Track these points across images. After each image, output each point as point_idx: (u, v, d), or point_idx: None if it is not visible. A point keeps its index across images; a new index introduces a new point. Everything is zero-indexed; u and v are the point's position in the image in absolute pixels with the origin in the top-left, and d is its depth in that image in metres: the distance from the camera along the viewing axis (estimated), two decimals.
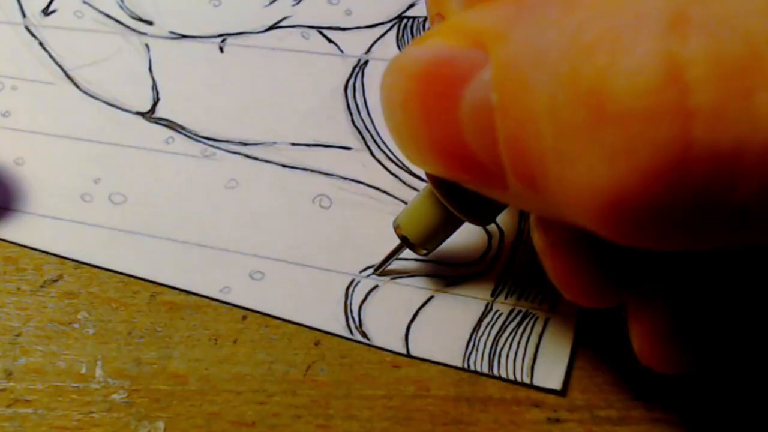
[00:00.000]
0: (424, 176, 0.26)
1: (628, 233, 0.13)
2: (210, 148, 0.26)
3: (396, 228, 0.22)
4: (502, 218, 0.25)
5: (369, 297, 0.24)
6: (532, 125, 0.13)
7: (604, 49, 0.12)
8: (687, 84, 0.12)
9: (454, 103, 0.15)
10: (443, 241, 0.23)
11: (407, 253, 0.23)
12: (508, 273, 0.24)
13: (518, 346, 0.23)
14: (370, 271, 0.24)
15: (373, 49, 0.28)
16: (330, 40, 0.29)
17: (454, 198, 0.20)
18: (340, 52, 0.28)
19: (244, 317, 0.23)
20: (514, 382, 0.22)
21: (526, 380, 0.22)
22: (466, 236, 0.24)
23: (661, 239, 0.13)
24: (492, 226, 0.25)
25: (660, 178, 0.12)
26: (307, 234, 0.25)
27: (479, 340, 0.23)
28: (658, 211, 0.13)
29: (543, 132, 0.13)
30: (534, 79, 0.13)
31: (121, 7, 0.29)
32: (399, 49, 0.28)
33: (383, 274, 0.24)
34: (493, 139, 0.14)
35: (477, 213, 0.21)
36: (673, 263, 0.18)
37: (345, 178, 0.26)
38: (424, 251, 0.23)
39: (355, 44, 0.29)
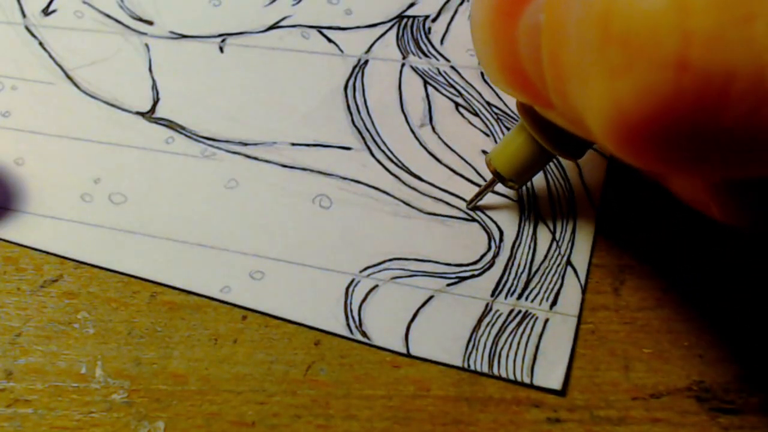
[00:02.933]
0: (424, 176, 0.26)
1: (629, 151, 0.14)
2: (210, 148, 0.26)
3: (488, 162, 0.23)
4: (502, 218, 0.25)
5: (369, 297, 0.24)
6: (564, 43, 0.14)
7: None
8: (688, 6, 0.12)
9: (515, 21, 0.16)
10: (533, 175, 0.23)
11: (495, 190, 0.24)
12: (508, 273, 0.24)
13: (518, 346, 0.23)
14: (371, 270, 0.24)
15: (373, 48, 0.28)
16: (330, 40, 0.29)
17: (545, 131, 0.21)
18: (340, 52, 0.28)
19: (244, 317, 0.23)
20: (514, 382, 0.22)
21: (526, 380, 0.22)
22: (466, 236, 0.24)
23: (661, 160, 0.14)
24: (492, 226, 0.25)
25: (654, 96, 0.13)
26: (307, 234, 0.25)
27: (479, 340, 0.23)
28: (653, 130, 0.13)
29: (571, 49, 0.14)
30: (571, 3, 0.14)
31: (121, 7, 0.29)
32: (399, 49, 0.28)
33: (475, 208, 0.25)
34: (539, 57, 0.15)
35: (566, 147, 0.21)
36: None
37: (345, 178, 0.26)
38: (515, 185, 0.23)
39: (355, 44, 0.29)
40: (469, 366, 0.22)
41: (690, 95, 0.12)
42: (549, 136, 0.21)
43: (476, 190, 0.25)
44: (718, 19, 0.12)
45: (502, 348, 0.23)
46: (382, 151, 0.26)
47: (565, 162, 0.26)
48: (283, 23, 0.29)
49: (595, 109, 0.14)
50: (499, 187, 0.25)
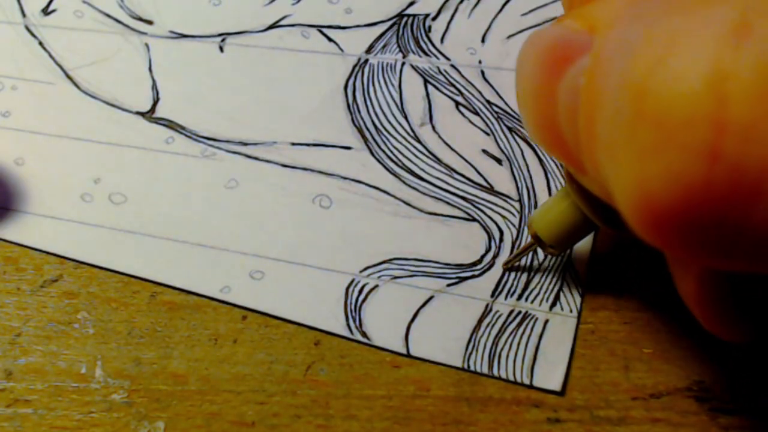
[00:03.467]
0: (424, 175, 0.26)
1: (651, 234, 0.13)
2: (210, 148, 0.26)
3: (529, 226, 0.22)
4: (502, 218, 0.25)
5: (369, 297, 0.24)
6: (600, 111, 0.14)
7: (659, 48, 0.12)
8: (726, 94, 0.12)
9: (558, 79, 0.16)
10: (575, 243, 0.22)
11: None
12: (508, 273, 0.24)
13: (518, 347, 0.23)
14: (371, 270, 0.24)
15: (373, 47, 0.28)
16: (330, 39, 0.29)
17: (589, 199, 0.20)
18: (340, 51, 0.28)
19: (244, 317, 0.23)
20: (514, 383, 0.22)
21: (526, 381, 0.22)
22: (466, 236, 0.24)
23: (684, 247, 0.13)
24: (492, 226, 0.25)
25: (683, 186, 0.12)
26: (307, 234, 0.25)
27: (479, 341, 0.23)
28: (679, 217, 0.13)
29: (605, 120, 0.14)
30: (611, 69, 0.14)
31: (120, 7, 0.29)
32: (399, 48, 0.28)
33: (511, 269, 0.24)
34: (576, 119, 0.15)
35: (611, 217, 0.20)
36: None
37: (345, 178, 0.26)
38: (555, 251, 0.22)
39: (355, 43, 0.28)
40: (468, 367, 0.22)
41: (720, 187, 0.12)
42: (593, 205, 0.20)
43: (482, 191, 0.24)
44: (756, 112, 0.11)
45: (502, 349, 0.23)
46: (383, 151, 0.26)
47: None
48: (283, 22, 0.29)
49: (621, 185, 0.13)
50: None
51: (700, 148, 0.12)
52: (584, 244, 0.24)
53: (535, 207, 0.25)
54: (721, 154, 0.12)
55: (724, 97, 0.12)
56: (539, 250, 0.24)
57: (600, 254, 0.24)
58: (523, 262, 0.24)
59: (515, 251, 0.24)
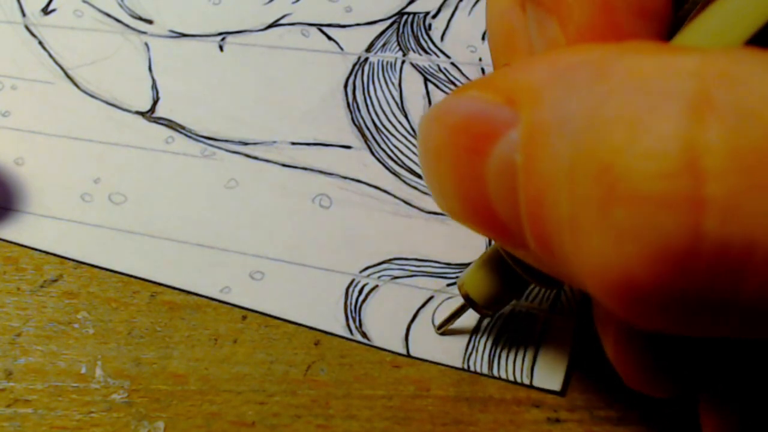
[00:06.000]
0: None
1: (634, 315, 0.13)
2: (210, 148, 0.26)
3: (460, 286, 0.21)
4: None
5: (369, 297, 0.24)
6: (551, 192, 0.13)
7: (623, 126, 0.12)
8: (703, 173, 0.11)
9: (482, 159, 0.15)
10: (509, 303, 0.21)
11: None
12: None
13: (518, 348, 0.23)
14: (371, 270, 0.24)
15: (373, 46, 0.28)
16: (330, 38, 0.29)
17: (523, 264, 0.19)
18: (340, 50, 0.28)
19: (244, 317, 0.23)
20: (514, 383, 0.22)
21: (526, 381, 0.22)
22: (466, 236, 0.24)
23: (669, 325, 0.13)
24: None
25: (665, 266, 0.12)
26: (307, 234, 0.25)
27: (479, 341, 0.23)
28: (664, 298, 0.12)
29: (560, 201, 0.13)
30: (556, 146, 0.13)
31: (120, 6, 0.29)
32: (399, 46, 0.28)
33: (444, 333, 0.23)
34: (515, 200, 0.14)
35: (543, 275, 0.19)
36: (735, 361, 0.18)
37: (345, 178, 0.26)
38: (489, 312, 0.22)
39: (355, 41, 0.28)
40: (468, 367, 0.22)
41: (705, 265, 0.11)
42: (526, 266, 0.19)
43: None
44: (734, 186, 0.11)
45: (502, 349, 0.23)
46: (383, 150, 0.26)
47: None
48: (282, 21, 0.29)
49: (590, 265, 0.13)
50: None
51: (681, 229, 0.11)
52: None
53: None
54: (704, 233, 0.11)
55: (700, 174, 0.11)
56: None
57: None
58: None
59: (447, 315, 0.23)
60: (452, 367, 0.22)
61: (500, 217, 0.15)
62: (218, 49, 0.28)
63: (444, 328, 0.23)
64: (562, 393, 0.22)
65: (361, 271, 0.24)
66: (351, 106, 0.27)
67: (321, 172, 0.26)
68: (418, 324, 0.23)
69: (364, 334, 0.23)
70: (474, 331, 0.23)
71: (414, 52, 0.28)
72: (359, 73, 0.28)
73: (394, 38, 0.28)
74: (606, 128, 0.12)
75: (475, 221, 0.16)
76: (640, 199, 0.12)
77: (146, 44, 0.28)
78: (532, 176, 0.14)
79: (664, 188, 0.11)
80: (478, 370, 0.22)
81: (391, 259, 0.24)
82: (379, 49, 0.28)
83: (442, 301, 0.23)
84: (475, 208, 0.15)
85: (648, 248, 0.12)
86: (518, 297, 0.22)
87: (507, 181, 0.14)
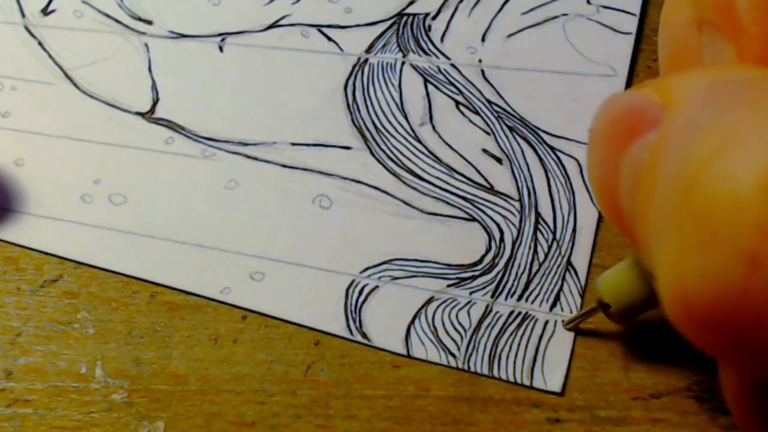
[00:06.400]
0: (424, 175, 0.26)
1: (685, 328, 0.13)
2: (210, 149, 0.26)
3: (595, 289, 0.21)
4: (502, 218, 0.25)
5: (369, 297, 0.24)
6: (655, 194, 0.13)
7: (716, 140, 0.12)
8: None
9: (623, 150, 0.15)
10: (641, 314, 0.21)
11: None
12: (509, 274, 0.24)
13: (518, 348, 0.23)
14: (371, 271, 0.24)
15: (373, 47, 0.28)
16: (330, 39, 0.29)
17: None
18: (339, 51, 0.28)
19: (244, 317, 0.23)
20: (514, 383, 0.22)
21: (526, 382, 0.22)
22: (466, 236, 0.24)
23: (717, 350, 0.13)
24: (492, 226, 0.25)
25: (720, 284, 0.12)
26: (307, 234, 0.25)
27: (479, 342, 0.23)
28: (713, 319, 0.12)
29: (657, 202, 0.13)
30: (673, 152, 0.13)
31: (120, 7, 0.29)
32: (399, 47, 0.28)
33: (573, 329, 0.23)
34: (635, 193, 0.14)
35: None
36: None
37: (345, 178, 0.26)
38: (620, 320, 0.21)
39: (354, 42, 0.28)
40: (469, 368, 0.22)
41: (758, 295, 0.11)
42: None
43: (482, 192, 0.24)
44: None
45: (502, 349, 0.23)
46: (383, 151, 0.26)
47: (566, 161, 0.26)
48: (282, 22, 0.29)
49: (662, 272, 0.13)
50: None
51: (740, 252, 0.11)
52: (584, 245, 0.24)
53: (536, 207, 0.25)
54: (762, 262, 0.11)
55: None
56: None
57: (600, 255, 0.24)
58: (519, 256, 0.24)
59: (578, 312, 0.23)
60: (452, 367, 0.23)
61: (623, 211, 0.15)
62: (218, 50, 0.28)
63: (572, 325, 0.23)
64: (562, 393, 0.22)
65: (361, 272, 0.24)
66: (351, 107, 0.27)
67: (321, 172, 0.26)
68: (418, 324, 0.23)
69: (364, 335, 0.23)
70: (474, 332, 0.23)
71: (414, 53, 0.28)
72: (359, 74, 0.28)
73: (394, 39, 0.29)
74: (703, 140, 0.12)
75: (604, 209, 0.16)
76: (709, 215, 0.12)
77: (146, 45, 0.28)
78: (649, 177, 0.14)
79: (734, 209, 0.11)
80: (478, 370, 0.22)
81: (391, 260, 0.24)
82: (379, 50, 0.28)
83: (442, 302, 0.23)
84: (606, 196, 0.16)
85: (706, 266, 0.12)
86: (650, 309, 0.21)
87: (634, 176, 0.14)
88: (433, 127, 0.27)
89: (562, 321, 0.23)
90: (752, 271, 0.11)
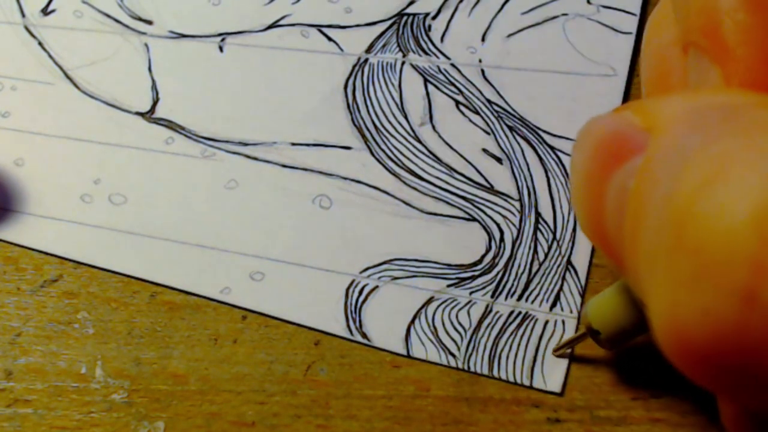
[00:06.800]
0: (424, 175, 0.26)
1: (680, 364, 0.13)
2: (210, 149, 0.26)
3: (583, 316, 0.21)
4: (502, 218, 0.25)
5: (369, 297, 0.24)
6: (644, 224, 0.13)
7: (707, 171, 0.12)
8: None
9: (608, 176, 0.15)
10: (631, 339, 0.21)
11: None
12: (509, 274, 0.24)
13: (518, 348, 0.23)
14: (371, 271, 0.24)
15: (373, 47, 0.28)
16: (330, 39, 0.29)
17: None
18: (339, 51, 0.28)
19: (244, 317, 0.23)
20: (514, 383, 0.22)
21: (526, 382, 0.22)
22: (466, 236, 0.24)
23: (712, 385, 0.13)
24: (492, 226, 0.25)
25: (715, 320, 0.11)
26: (307, 234, 0.25)
27: (479, 342, 0.23)
28: (708, 356, 0.12)
29: (646, 232, 0.13)
30: (659, 180, 0.13)
31: (120, 7, 0.29)
32: (399, 47, 0.28)
33: (561, 356, 0.23)
34: (622, 220, 0.14)
35: None
36: None
37: (345, 178, 0.26)
38: (610, 346, 0.21)
39: (354, 42, 0.28)
40: (468, 368, 0.22)
41: (754, 332, 0.11)
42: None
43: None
44: None
45: (502, 349, 0.23)
46: (383, 151, 0.26)
47: (566, 161, 0.26)
48: (282, 22, 0.29)
49: (655, 305, 0.13)
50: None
51: (735, 289, 0.11)
52: (584, 244, 0.24)
53: (536, 207, 0.25)
54: (758, 298, 0.11)
55: (766, 239, 0.11)
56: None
57: (600, 254, 0.24)
58: (519, 256, 0.24)
59: (566, 339, 0.22)
60: (452, 367, 0.23)
61: (609, 238, 0.15)
62: (218, 50, 0.28)
63: (561, 351, 0.22)
64: (562, 393, 0.22)
65: (361, 272, 0.24)
66: (351, 107, 0.27)
67: (321, 172, 0.26)
68: (418, 324, 0.23)
69: (364, 335, 0.23)
70: (474, 332, 0.23)
71: (414, 53, 0.28)
72: (359, 74, 0.28)
73: (394, 39, 0.29)
74: (693, 170, 0.12)
75: (590, 235, 0.16)
76: (701, 250, 0.11)
77: (146, 45, 0.28)
78: (636, 205, 0.13)
79: (727, 245, 0.11)
80: (478, 370, 0.22)
81: (391, 260, 0.24)
82: (379, 50, 0.28)
83: (442, 302, 0.23)
84: (592, 223, 0.15)
85: (700, 302, 0.11)
86: (641, 334, 0.21)
87: (620, 203, 0.14)
88: (433, 127, 0.27)
89: (552, 350, 0.23)
90: (748, 307, 0.11)
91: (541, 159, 0.26)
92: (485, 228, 0.25)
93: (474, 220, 0.25)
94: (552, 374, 0.22)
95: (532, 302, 0.23)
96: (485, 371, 0.22)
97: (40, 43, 0.29)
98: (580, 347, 0.23)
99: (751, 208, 0.11)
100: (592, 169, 0.15)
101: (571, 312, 0.23)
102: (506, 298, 0.23)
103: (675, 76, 0.18)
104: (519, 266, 0.24)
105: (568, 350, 0.23)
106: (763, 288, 0.11)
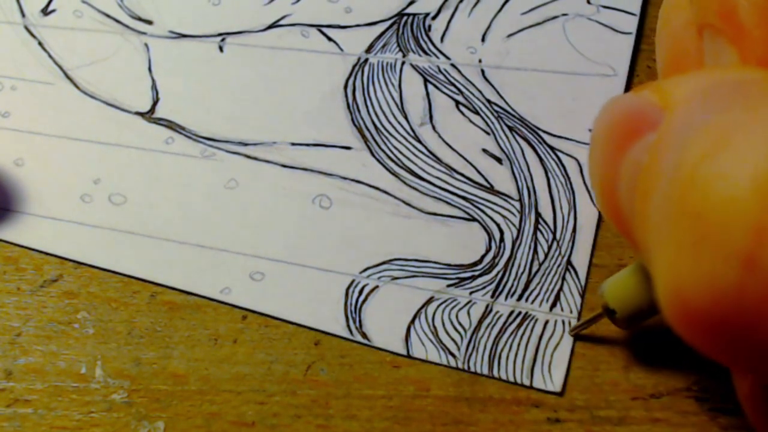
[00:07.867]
0: (424, 175, 0.26)
1: (683, 332, 0.13)
2: (210, 149, 0.26)
3: (601, 295, 0.21)
4: (502, 218, 0.25)
5: (369, 297, 0.24)
6: (654, 195, 0.13)
7: (712, 140, 0.12)
8: None
9: (623, 152, 0.15)
10: (647, 319, 0.21)
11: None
12: (509, 274, 0.24)
13: (518, 348, 0.23)
14: (371, 271, 0.24)
15: (373, 47, 0.28)
16: (330, 39, 0.29)
17: None
18: (339, 51, 0.28)
19: (244, 317, 0.23)
20: (514, 383, 0.22)
21: (526, 382, 0.22)
22: (466, 236, 0.24)
23: (715, 351, 0.13)
24: (492, 226, 0.25)
25: (714, 288, 0.12)
26: (307, 234, 0.25)
27: (479, 342, 0.23)
28: (709, 321, 0.12)
29: (655, 205, 0.13)
30: (670, 153, 0.13)
31: (120, 7, 0.29)
32: (399, 47, 0.28)
33: (577, 336, 0.23)
34: (633, 194, 0.14)
35: None
36: None
37: (345, 178, 0.26)
38: (626, 326, 0.21)
39: (354, 42, 0.28)
40: (468, 368, 0.22)
41: (754, 296, 0.11)
42: None
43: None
44: None
45: (502, 350, 0.23)
46: (383, 151, 0.26)
47: (566, 161, 0.26)
48: (282, 22, 0.29)
49: (659, 274, 0.13)
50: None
51: (735, 253, 0.11)
52: (584, 244, 0.24)
53: (536, 207, 0.25)
54: (758, 262, 0.11)
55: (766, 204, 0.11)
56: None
57: (600, 254, 0.24)
58: (519, 256, 0.24)
59: (583, 319, 0.22)
60: (452, 367, 0.23)
61: (623, 213, 0.15)
62: (218, 50, 0.28)
63: (576, 331, 0.23)
64: (562, 393, 0.22)
65: (361, 272, 0.24)
66: (351, 107, 0.27)
67: (321, 172, 0.26)
68: (418, 324, 0.23)
69: (364, 335, 0.23)
70: (474, 332, 0.23)
71: (414, 53, 0.28)
72: (359, 74, 0.28)
73: (394, 39, 0.29)
74: (698, 140, 0.12)
75: (605, 211, 0.16)
76: (703, 216, 0.11)
77: (146, 45, 0.28)
78: (647, 176, 0.14)
79: (729, 210, 0.11)
80: (478, 370, 0.22)
81: (391, 260, 0.24)
82: (378, 50, 0.28)
83: (442, 302, 0.23)
84: (607, 199, 0.16)
85: (701, 268, 0.12)
86: (656, 314, 0.20)
87: (633, 178, 0.14)
88: (433, 127, 0.27)
89: (569, 322, 0.23)
90: (748, 272, 0.11)
91: (541, 159, 0.26)
92: (485, 228, 0.25)
93: (474, 220, 0.25)
94: (552, 374, 0.22)
95: (532, 302, 0.23)
96: (485, 371, 0.22)
97: (40, 43, 0.29)
98: (580, 347, 0.23)
99: (752, 174, 0.11)
100: (609, 145, 0.15)
101: (571, 312, 0.23)
102: (506, 298, 0.23)
103: (691, 57, 0.18)
104: (519, 266, 0.24)
105: (584, 330, 0.22)
106: (763, 253, 0.11)
